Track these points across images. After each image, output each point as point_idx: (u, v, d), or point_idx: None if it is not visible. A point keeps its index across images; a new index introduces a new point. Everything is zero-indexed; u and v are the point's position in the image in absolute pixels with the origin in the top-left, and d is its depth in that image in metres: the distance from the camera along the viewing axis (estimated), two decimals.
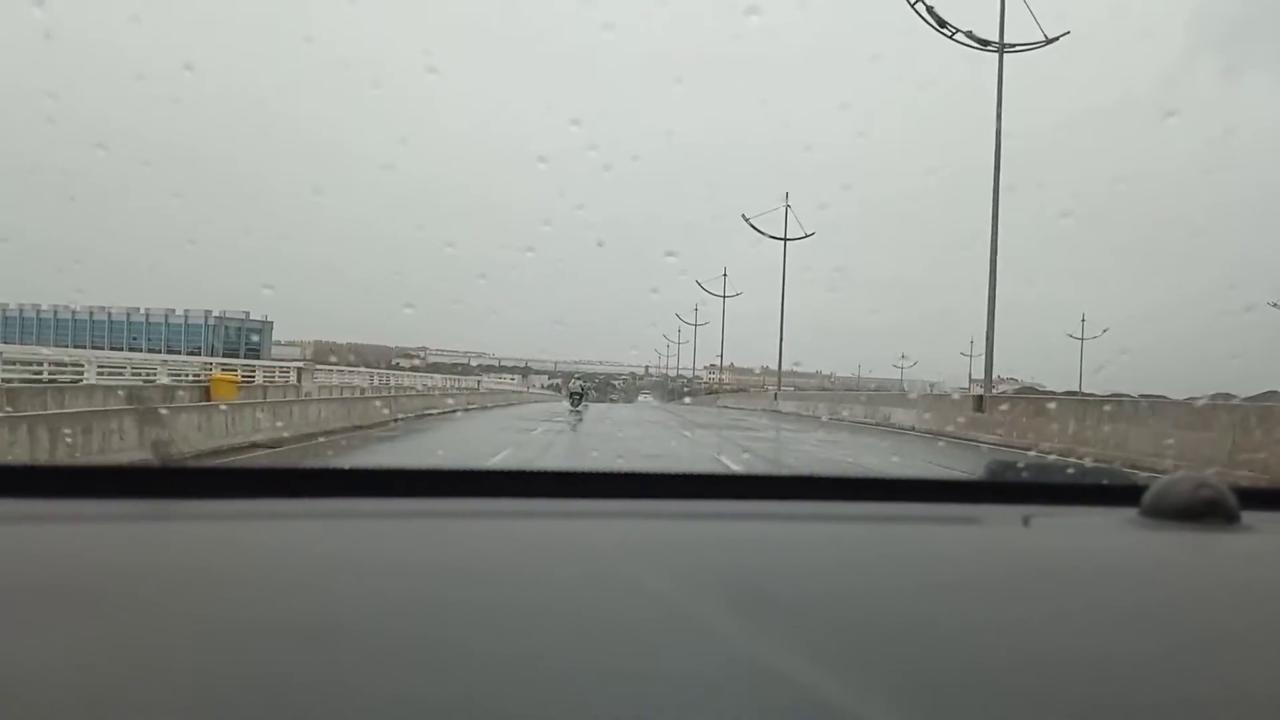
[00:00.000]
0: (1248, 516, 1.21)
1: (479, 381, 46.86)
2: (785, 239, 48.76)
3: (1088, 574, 1.04)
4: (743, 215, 49.02)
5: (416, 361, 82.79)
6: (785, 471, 2.00)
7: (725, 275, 69.58)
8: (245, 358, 59.91)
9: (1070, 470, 1.62)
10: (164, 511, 1.15)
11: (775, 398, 47.38)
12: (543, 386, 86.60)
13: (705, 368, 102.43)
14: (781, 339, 51.42)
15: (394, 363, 72.64)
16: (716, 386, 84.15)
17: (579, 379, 43.99)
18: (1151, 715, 0.64)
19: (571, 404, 34.94)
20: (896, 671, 0.67)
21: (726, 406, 54.98)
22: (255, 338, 77.14)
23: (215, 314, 78.97)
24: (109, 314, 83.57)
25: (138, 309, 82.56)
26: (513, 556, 1.00)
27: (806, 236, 50.28)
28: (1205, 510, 1.20)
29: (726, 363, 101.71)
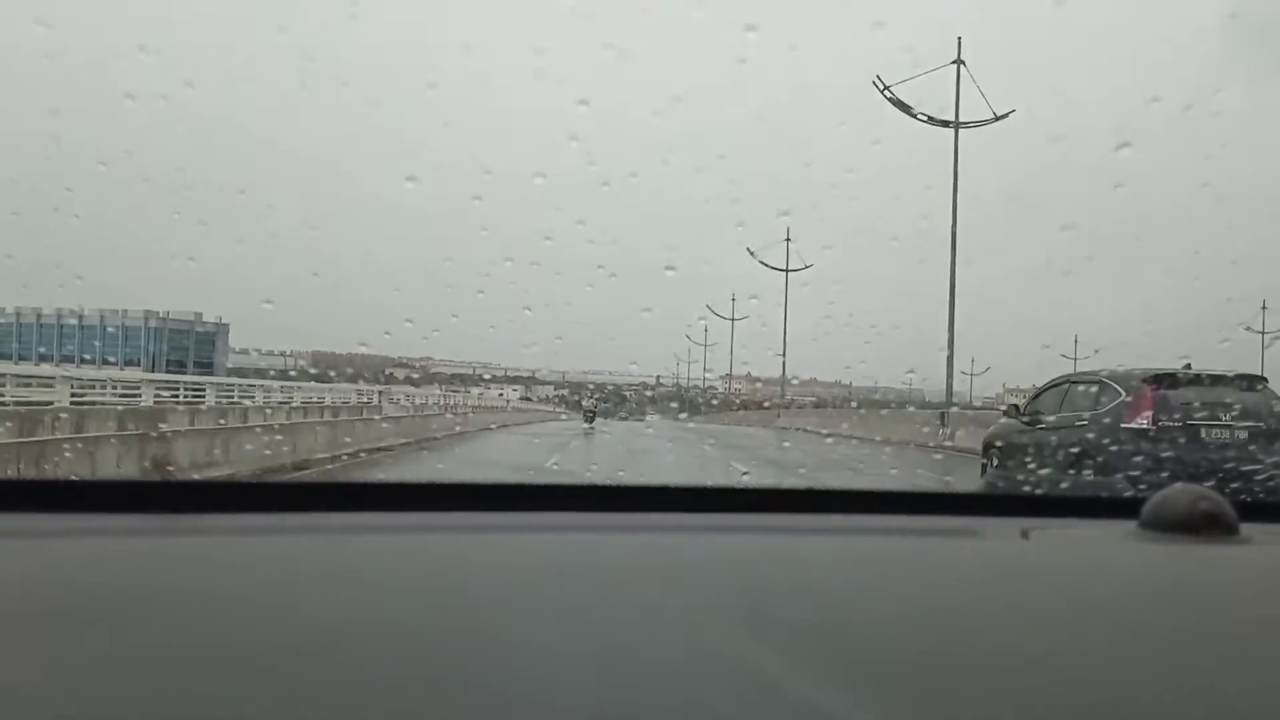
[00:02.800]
0: (1247, 529, 1.24)
1: (380, 394, 27.74)
2: (958, 124, 29.29)
3: (1087, 586, 1.08)
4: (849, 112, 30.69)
5: (411, 372, 67.93)
6: (790, 485, 2.10)
7: (789, 240, 47.33)
8: (196, 371, 45.45)
9: (1067, 484, 1.66)
10: (166, 526, 1.17)
11: (943, 422, 27.50)
12: (545, 398, 72.97)
13: (719, 378, 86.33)
14: (952, 326, 30.87)
15: (388, 373, 57.54)
16: (774, 400, 67.88)
17: (592, 395, 40.32)
18: None
19: (586, 421, 33.30)
20: (897, 687, 0.70)
21: (802, 430, 32.58)
22: (206, 345, 62.25)
23: (159, 314, 64.28)
24: (38, 316, 67.69)
25: (78, 309, 67.45)
26: (520, 572, 1.03)
27: (960, 129, 31.37)
28: (1204, 523, 1.22)
29: (741, 372, 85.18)
